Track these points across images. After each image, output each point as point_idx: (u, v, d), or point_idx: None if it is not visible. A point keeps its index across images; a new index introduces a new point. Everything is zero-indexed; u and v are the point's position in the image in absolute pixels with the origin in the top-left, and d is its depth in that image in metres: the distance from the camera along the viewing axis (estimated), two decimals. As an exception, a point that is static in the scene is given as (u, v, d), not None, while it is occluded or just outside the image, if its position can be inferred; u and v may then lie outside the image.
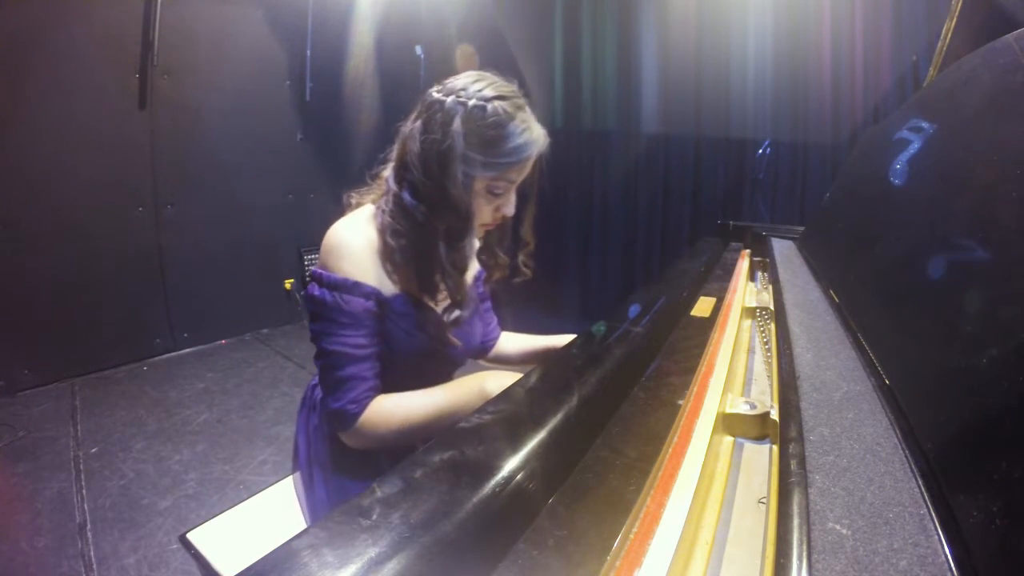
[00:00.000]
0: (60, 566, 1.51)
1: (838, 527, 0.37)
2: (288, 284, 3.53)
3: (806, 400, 0.54)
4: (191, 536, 1.06)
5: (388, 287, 0.80)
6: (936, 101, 0.82)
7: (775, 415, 0.56)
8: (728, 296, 0.98)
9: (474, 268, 0.96)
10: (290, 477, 1.09)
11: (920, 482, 0.41)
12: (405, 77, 3.55)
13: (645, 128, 3.18)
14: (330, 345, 0.76)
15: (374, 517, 0.33)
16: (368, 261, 0.78)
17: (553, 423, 0.46)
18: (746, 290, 1.09)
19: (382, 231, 0.80)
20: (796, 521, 0.37)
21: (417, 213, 0.78)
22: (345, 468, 0.88)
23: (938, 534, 0.36)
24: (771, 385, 0.67)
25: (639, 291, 0.98)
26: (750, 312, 0.97)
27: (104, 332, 2.72)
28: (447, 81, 0.78)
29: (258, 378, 2.78)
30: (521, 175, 0.80)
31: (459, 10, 3.48)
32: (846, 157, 2.24)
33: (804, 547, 0.34)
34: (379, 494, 0.35)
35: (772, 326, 0.82)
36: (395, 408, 0.78)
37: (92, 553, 1.56)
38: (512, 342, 1.09)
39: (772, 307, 0.89)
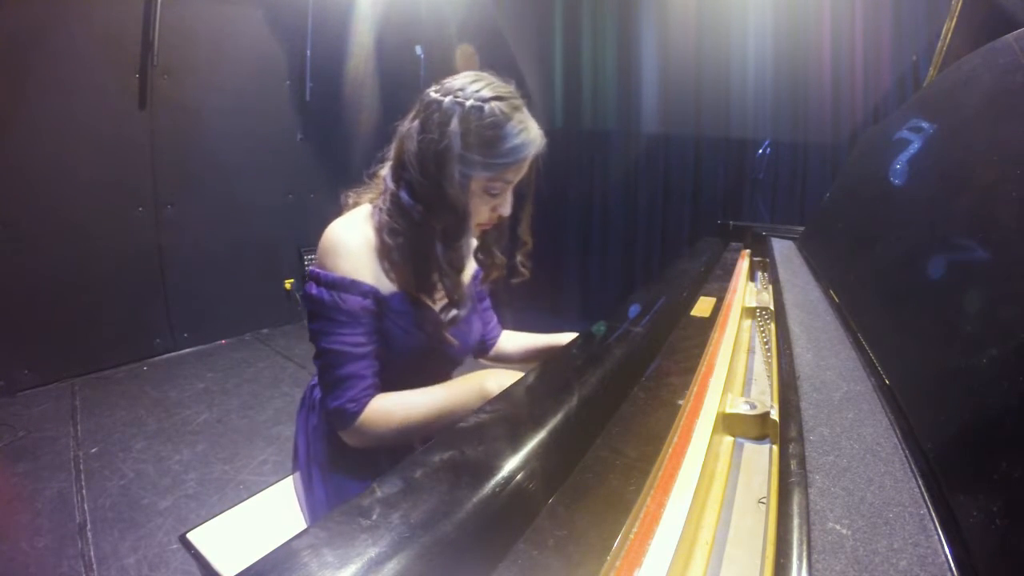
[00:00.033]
0: (60, 566, 1.51)
1: (838, 527, 0.37)
2: (288, 284, 3.53)
3: (806, 400, 0.54)
4: (191, 536, 1.06)
5: (386, 285, 0.80)
6: (936, 101, 0.82)
7: (775, 415, 0.56)
8: (728, 296, 0.98)
9: (471, 267, 0.96)
10: (290, 477, 1.09)
11: (920, 482, 0.41)
12: (405, 77, 3.55)
13: (645, 128, 3.19)
14: (328, 344, 0.76)
15: (374, 517, 0.33)
16: (365, 259, 0.78)
17: (553, 423, 0.46)
18: (746, 290, 1.09)
19: (379, 230, 0.80)
20: (796, 521, 0.37)
21: (414, 212, 0.79)
22: (344, 468, 0.88)
23: (938, 534, 0.36)
24: (771, 385, 0.67)
25: (639, 291, 0.98)
26: (750, 312, 0.97)
27: (104, 332, 2.72)
28: (445, 81, 0.79)
29: (258, 378, 2.78)
30: (518, 175, 0.81)
31: (459, 10, 3.48)
32: (846, 157, 2.24)
33: (804, 547, 0.34)
34: (379, 494, 0.35)
35: (772, 326, 0.82)
36: (395, 407, 0.78)
37: (92, 553, 1.56)
38: (513, 341, 1.09)
39: (772, 307, 0.89)
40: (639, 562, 0.36)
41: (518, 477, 0.39)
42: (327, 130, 3.51)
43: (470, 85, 0.76)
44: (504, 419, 0.47)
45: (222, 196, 3.10)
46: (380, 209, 0.81)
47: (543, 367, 0.62)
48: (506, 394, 0.54)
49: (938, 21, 1.44)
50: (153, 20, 2.62)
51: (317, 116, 3.46)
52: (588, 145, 3.40)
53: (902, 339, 0.59)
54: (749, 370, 0.77)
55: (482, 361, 1.09)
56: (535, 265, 0.97)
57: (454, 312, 0.83)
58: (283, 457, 2.07)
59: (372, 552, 0.30)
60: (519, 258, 0.95)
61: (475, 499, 0.36)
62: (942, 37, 1.31)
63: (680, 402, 0.55)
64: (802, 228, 1.44)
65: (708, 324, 0.81)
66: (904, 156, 0.80)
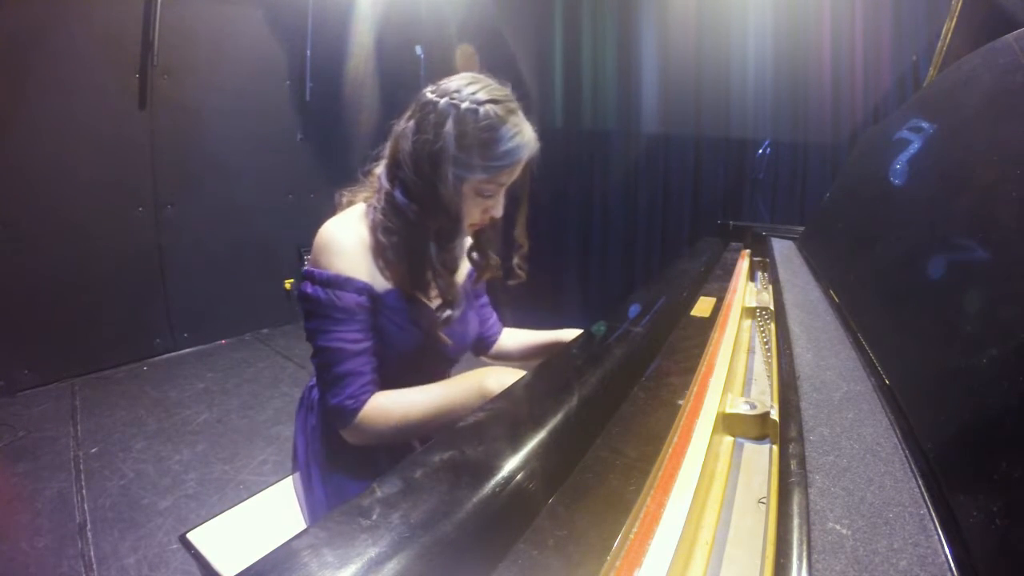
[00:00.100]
0: (60, 566, 1.51)
1: (838, 527, 0.37)
2: (288, 284, 3.53)
3: (806, 400, 0.54)
4: (191, 536, 1.06)
5: (380, 282, 0.80)
6: (936, 101, 0.82)
7: (775, 415, 0.56)
8: (728, 296, 0.98)
9: (465, 267, 0.96)
10: (290, 477, 1.09)
11: (920, 482, 0.41)
12: (405, 77, 3.55)
13: (645, 128, 3.19)
14: (325, 342, 0.76)
15: (374, 517, 0.33)
16: (359, 257, 0.79)
17: (553, 423, 0.46)
18: (746, 290, 1.09)
19: (374, 229, 0.80)
20: (796, 521, 0.37)
21: (408, 211, 0.79)
22: (343, 468, 0.88)
23: (938, 534, 0.36)
24: (771, 385, 0.67)
25: (639, 291, 0.98)
26: (750, 312, 0.97)
27: (104, 332, 2.72)
28: (441, 82, 0.79)
29: (258, 378, 2.78)
30: (511, 178, 0.81)
31: (459, 10, 3.48)
32: (846, 157, 2.24)
33: (804, 547, 0.34)
34: (379, 494, 0.35)
35: (772, 326, 0.82)
36: (394, 405, 0.78)
37: (92, 553, 1.56)
38: (514, 338, 1.10)
39: (772, 307, 0.89)
40: (639, 562, 0.36)
41: (518, 477, 0.39)
42: (327, 130, 3.51)
43: (466, 87, 0.76)
44: (504, 419, 0.47)
45: (222, 196, 3.10)
46: (374, 208, 0.81)
47: (543, 367, 0.62)
48: (506, 394, 0.54)
49: (938, 21, 1.44)
50: (153, 20, 2.62)
51: (317, 116, 3.46)
52: (588, 145, 3.39)
53: (902, 339, 0.59)
54: (749, 370, 0.77)
55: (483, 359, 1.09)
56: (535, 265, 0.97)
57: (448, 312, 0.84)
58: (283, 457, 2.07)
59: (372, 552, 0.30)
60: (515, 260, 0.95)
61: (475, 499, 0.36)
62: (942, 37, 1.31)
63: (680, 402, 0.55)
64: (802, 228, 1.44)
65: (708, 324, 0.81)
66: (904, 156, 0.80)
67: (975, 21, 1.23)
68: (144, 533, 1.65)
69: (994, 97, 0.62)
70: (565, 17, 3.32)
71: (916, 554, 0.34)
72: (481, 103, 0.75)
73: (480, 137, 0.75)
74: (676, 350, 0.71)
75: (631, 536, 0.38)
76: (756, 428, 0.58)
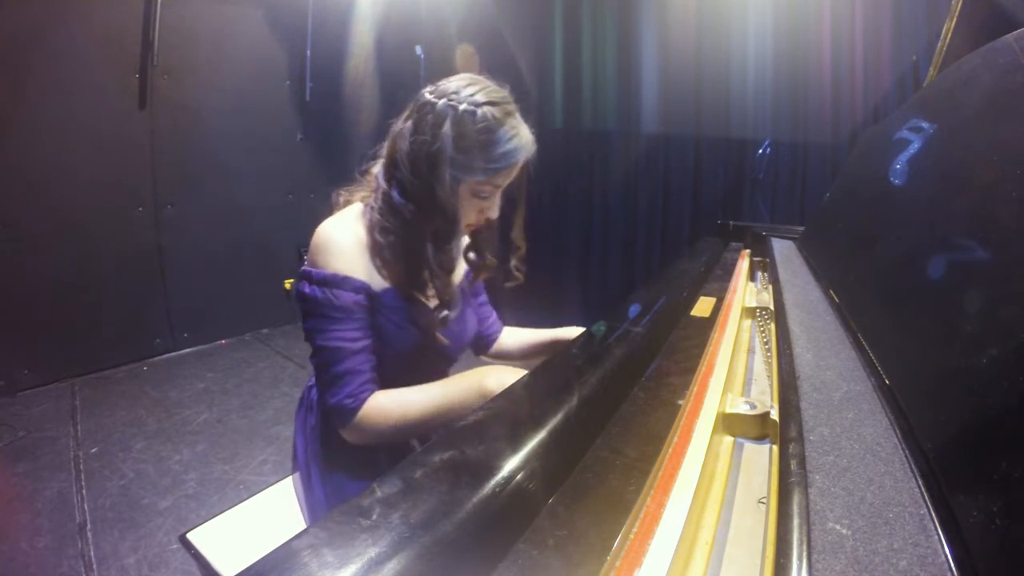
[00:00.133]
0: (60, 566, 1.51)
1: (838, 527, 0.37)
2: (288, 284, 3.53)
3: (806, 400, 0.54)
4: (191, 536, 1.06)
5: (378, 281, 0.81)
6: (936, 101, 0.82)
7: (775, 415, 0.56)
8: (728, 296, 0.98)
9: (462, 267, 0.96)
10: (290, 477, 1.09)
11: (920, 482, 0.41)
12: (405, 77, 3.55)
13: (645, 128, 3.18)
14: (324, 341, 0.77)
15: (374, 517, 0.33)
16: (357, 256, 0.79)
17: (553, 423, 0.45)
18: (746, 290, 1.09)
19: (371, 228, 0.81)
20: (796, 521, 0.36)
21: (405, 212, 0.79)
22: (343, 468, 0.88)
23: (938, 534, 0.36)
24: (771, 385, 0.67)
25: (639, 291, 0.98)
26: (750, 312, 0.97)
27: (104, 332, 2.72)
28: (440, 83, 0.79)
29: (258, 378, 2.78)
30: (507, 180, 0.82)
31: (459, 10, 3.48)
32: (846, 157, 2.24)
33: (804, 547, 0.34)
34: (379, 494, 0.35)
35: (772, 326, 0.82)
36: (393, 404, 0.78)
37: (92, 553, 1.56)
38: (514, 337, 1.10)
39: (772, 307, 0.89)
40: (639, 562, 0.36)
41: (518, 477, 0.39)
42: (327, 130, 3.51)
43: (464, 89, 0.77)
44: (504, 418, 0.47)
45: (222, 196, 3.10)
46: (372, 208, 0.82)
47: (543, 366, 0.62)
48: (506, 393, 0.54)
49: (938, 21, 1.44)
50: (153, 20, 2.62)
51: (317, 116, 3.46)
52: (588, 145, 3.39)
53: (902, 339, 0.59)
54: (749, 370, 0.77)
55: (483, 358, 1.09)
56: (535, 265, 0.97)
57: (444, 313, 0.84)
58: (283, 457, 2.07)
59: (372, 552, 0.30)
60: (513, 262, 0.96)
61: (475, 499, 0.36)
62: (942, 37, 1.31)
63: (680, 402, 0.55)
64: (802, 228, 1.44)
65: (708, 324, 0.81)
66: (904, 156, 0.80)
67: (975, 21, 1.23)
68: (144, 533, 1.65)
69: (994, 97, 0.62)
70: (565, 17, 3.32)
71: (916, 554, 0.34)
72: (479, 105, 0.75)
73: (477, 139, 0.75)
74: (676, 350, 0.71)
75: (631, 536, 0.38)
76: (756, 428, 0.58)
